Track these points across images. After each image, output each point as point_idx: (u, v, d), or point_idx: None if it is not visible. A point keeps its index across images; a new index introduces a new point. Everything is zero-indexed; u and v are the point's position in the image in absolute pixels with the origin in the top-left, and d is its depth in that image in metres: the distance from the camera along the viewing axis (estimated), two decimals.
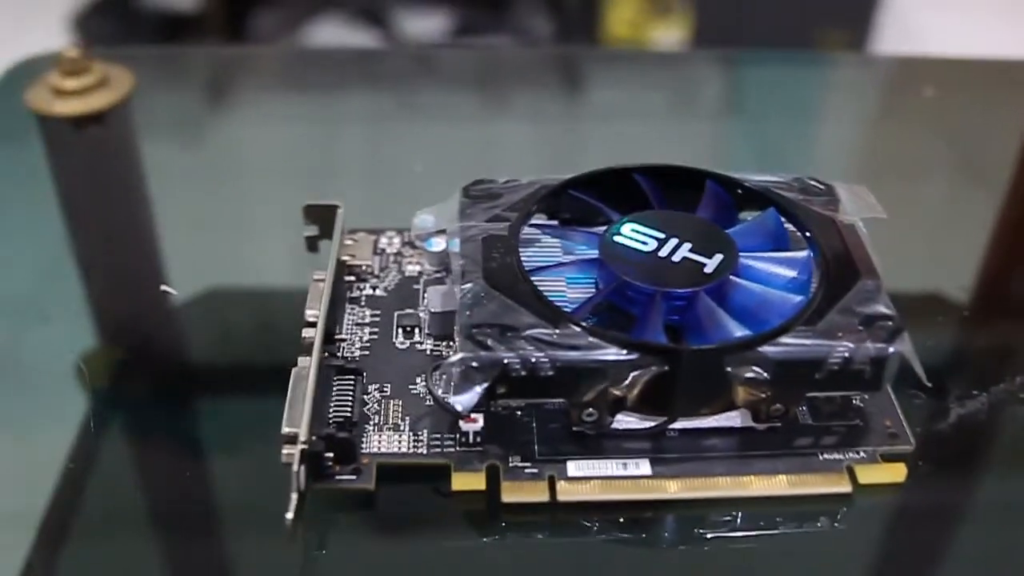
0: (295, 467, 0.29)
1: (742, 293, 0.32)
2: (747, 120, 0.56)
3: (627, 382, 0.30)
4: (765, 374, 0.30)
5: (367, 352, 0.34)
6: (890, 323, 0.31)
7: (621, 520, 0.30)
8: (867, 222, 0.35)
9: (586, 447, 0.31)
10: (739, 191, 0.36)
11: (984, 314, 0.40)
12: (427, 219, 0.36)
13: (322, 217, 0.38)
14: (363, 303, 0.36)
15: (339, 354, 0.34)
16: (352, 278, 0.37)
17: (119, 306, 0.41)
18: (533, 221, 0.35)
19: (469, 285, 0.32)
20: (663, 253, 0.33)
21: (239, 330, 0.41)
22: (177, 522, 0.32)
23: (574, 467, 0.31)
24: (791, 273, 0.33)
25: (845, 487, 0.31)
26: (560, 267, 0.33)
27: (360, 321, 0.35)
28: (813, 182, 0.36)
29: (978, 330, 0.40)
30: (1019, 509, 0.32)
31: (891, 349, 0.30)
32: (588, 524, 0.30)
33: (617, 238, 0.33)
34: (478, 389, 0.30)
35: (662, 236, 0.33)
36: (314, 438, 0.30)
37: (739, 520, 0.30)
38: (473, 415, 0.31)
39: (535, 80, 0.60)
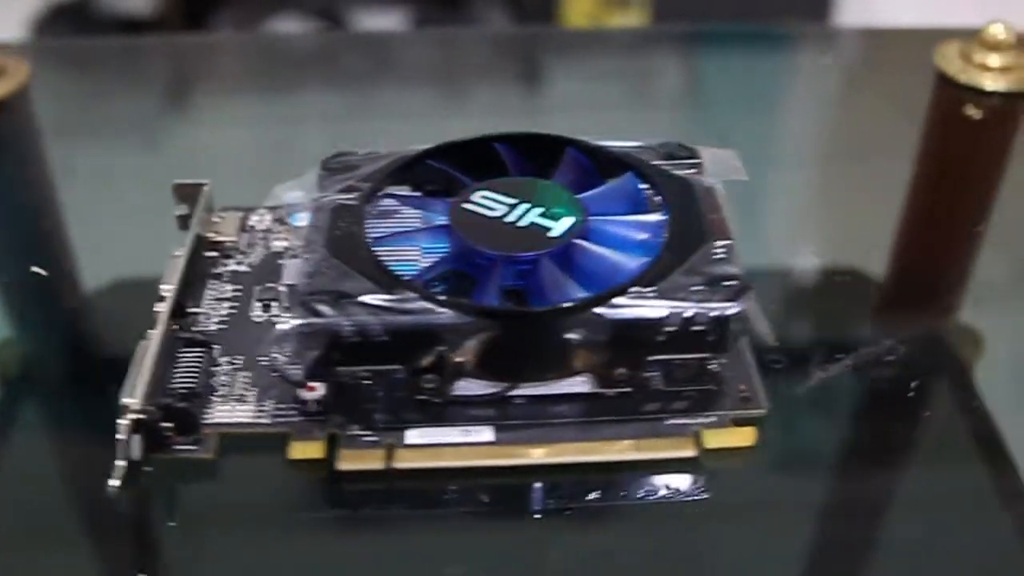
0: (123, 435, 0.28)
1: (590, 257, 0.32)
2: (707, 103, 0.56)
3: (463, 347, 0.30)
4: (602, 337, 0.30)
5: (224, 326, 0.34)
6: (735, 283, 0.30)
7: (459, 487, 0.30)
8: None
9: (429, 415, 0.31)
10: (598, 157, 0.35)
11: (889, 289, 0.40)
12: (295, 194, 0.36)
13: (192, 196, 0.38)
14: (225, 279, 0.36)
15: (193, 327, 0.34)
16: (216, 254, 0.36)
17: (27, 297, 0.41)
18: (396, 192, 0.35)
19: (310, 255, 0.31)
20: (511, 218, 0.32)
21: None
22: (88, 513, 0.31)
23: (414, 434, 0.30)
24: (643, 236, 0.33)
25: (690, 451, 0.30)
26: (409, 235, 0.33)
27: (220, 296, 0.35)
28: (679, 146, 0.36)
29: (863, 298, 0.39)
30: (868, 468, 0.32)
31: (732, 309, 0.30)
32: (426, 491, 0.30)
33: (467, 205, 0.33)
34: (312, 356, 0.30)
35: (512, 202, 0.33)
36: (152, 408, 0.30)
37: (581, 486, 0.30)
38: (313, 384, 0.31)
39: (494, 70, 0.59)
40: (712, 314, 0.29)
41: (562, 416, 0.31)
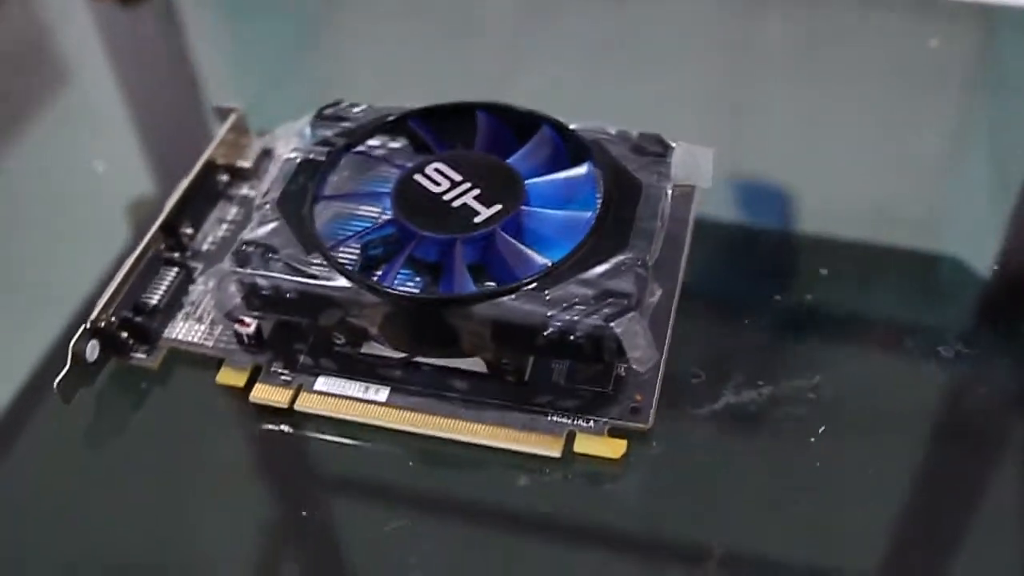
0: (73, 341, 0.33)
1: (504, 248, 0.32)
2: None
3: (364, 315, 0.32)
4: (487, 330, 0.31)
5: (213, 246, 0.38)
6: (623, 301, 0.30)
7: (339, 439, 0.33)
8: None
9: (343, 367, 0.34)
10: (568, 139, 0.35)
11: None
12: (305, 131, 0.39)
13: (226, 117, 0.41)
14: (235, 202, 0.40)
15: (187, 247, 0.38)
16: (226, 179, 0.40)
17: None
18: (367, 150, 0.37)
19: (264, 204, 0.34)
20: (447, 197, 0.34)
21: None
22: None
23: (323, 382, 0.34)
24: (566, 233, 0.33)
25: (555, 451, 0.31)
26: (352, 197, 0.35)
27: (222, 218, 0.39)
28: (655, 139, 0.35)
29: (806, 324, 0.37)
30: (725, 502, 0.31)
31: (607, 329, 0.30)
32: (315, 435, 0.33)
33: (417, 176, 0.34)
34: (236, 300, 0.33)
35: (457, 179, 0.34)
36: (112, 319, 0.34)
37: (445, 462, 0.32)
38: (247, 320, 0.34)
39: None
40: (588, 331, 0.30)
41: (454, 391, 0.33)
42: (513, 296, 0.31)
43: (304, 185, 0.35)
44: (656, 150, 0.35)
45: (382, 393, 0.33)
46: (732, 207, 0.41)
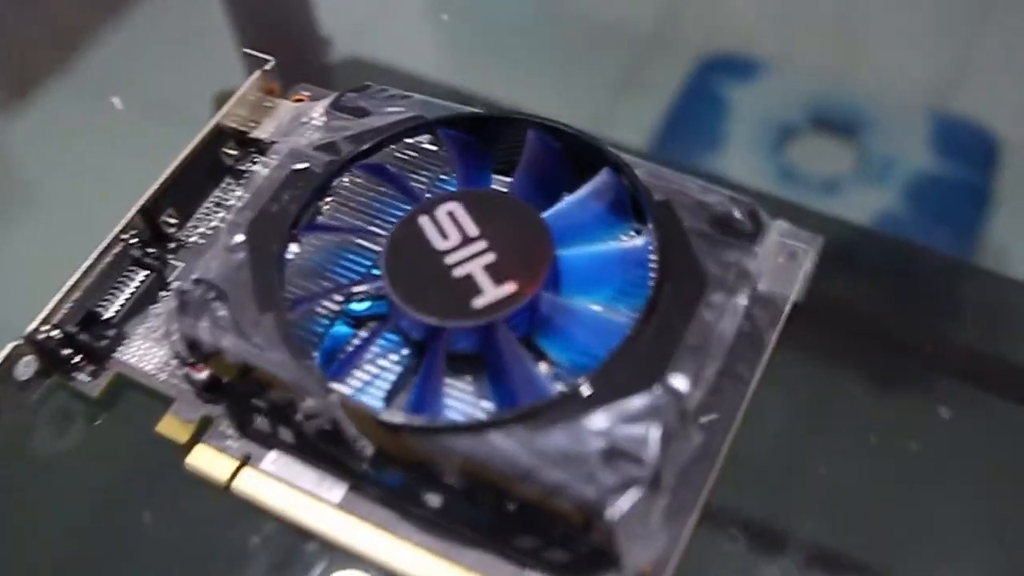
0: (1, 357, 0.28)
1: (502, 356, 0.24)
2: None
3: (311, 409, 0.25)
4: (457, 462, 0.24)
5: (203, 241, 0.32)
6: (633, 472, 0.22)
7: (279, 541, 0.26)
8: None
9: (304, 443, 0.27)
10: (630, 194, 0.26)
11: None
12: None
13: (255, 67, 0.34)
14: (241, 182, 0.33)
15: (168, 240, 0.31)
16: (236, 152, 0.33)
17: None
18: (378, 163, 0.29)
19: (234, 228, 0.27)
20: (451, 259, 0.26)
21: None
22: None
23: (273, 460, 0.27)
24: (587, 352, 0.24)
25: None
26: (339, 232, 0.28)
27: (223, 202, 0.32)
28: (743, 210, 0.26)
29: None
30: None
31: (602, 510, 0.22)
32: (249, 531, 0.27)
33: (422, 219, 0.26)
34: (177, 347, 0.27)
35: (473, 233, 0.26)
36: (52, 333, 0.29)
37: None
38: (200, 366, 0.28)
39: None
40: (572, 501, 0.22)
41: (424, 507, 0.26)
42: (495, 429, 0.23)
43: (286, 207, 0.27)
44: (744, 228, 0.26)
45: (337, 491, 0.26)
46: None
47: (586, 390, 0.23)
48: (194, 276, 0.26)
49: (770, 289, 0.25)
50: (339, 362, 0.26)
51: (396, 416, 0.24)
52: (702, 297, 0.24)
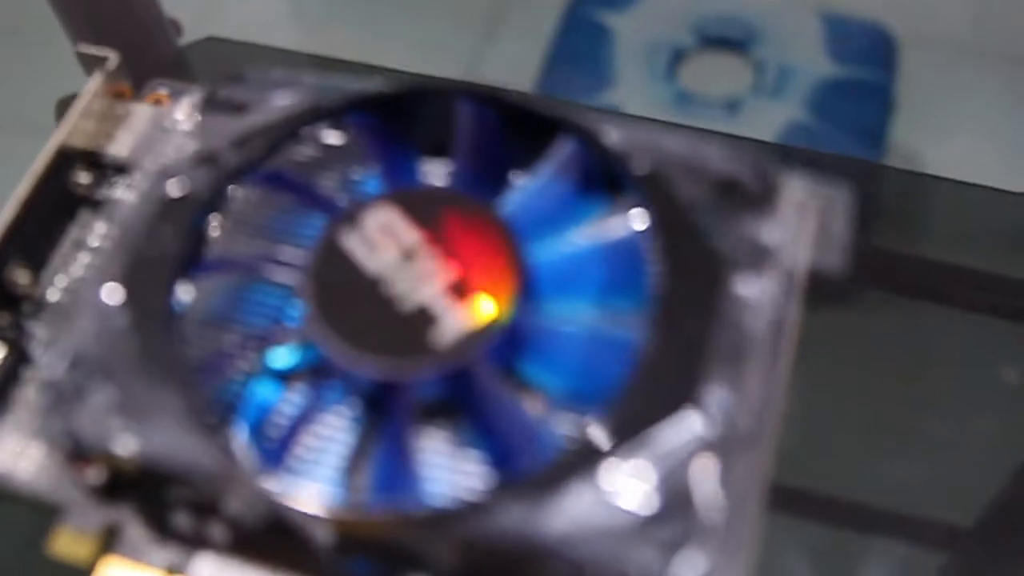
0: None
1: (488, 399, 0.19)
2: None
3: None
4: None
5: (67, 297, 0.25)
6: (688, 525, 0.17)
7: None
8: None
9: (244, 538, 0.21)
10: (603, 166, 0.21)
11: None
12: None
13: (94, 67, 0.27)
14: (107, 212, 0.26)
15: (21, 303, 0.25)
16: (89, 179, 0.26)
17: None
18: (325, 141, 0.23)
19: (102, 282, 0.21)
20: (397, 287, 0.20)
21: None
22: None
23: (208, 566, 0.21)
24: (599, 362, 0.19)
25: None
26: (248, 266, 0.22)
27: (82, 241, 0.26)
28: (749, 170, 0.21)
29: None
30: None
31: None
32: None
33: (345, 238, 0.21)
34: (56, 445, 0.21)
35: (416, 248, 0.20)
36: None
37: None
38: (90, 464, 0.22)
39: None
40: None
41: None
42: (498, 505, 0.18)
43: (166, 245, 0.21)
44: (753, 191, 0.21)
45: None
46: None
47: (602, 432, 0.18)
48: (61, 357, 0.20)
49: (798, 261, 0.20)
50: (272, 440, 0.20)
51: (362, 507, 0.18)
52: (719, 286, 0.19)
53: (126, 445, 0.19)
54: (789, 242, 0.20)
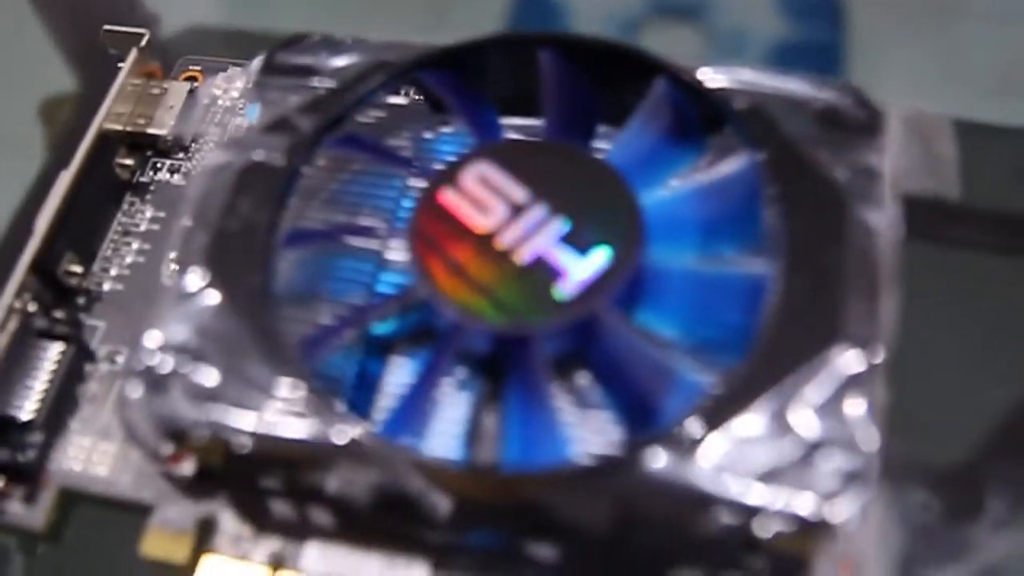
0: None
1: (614, 348, 0.18)
2: None
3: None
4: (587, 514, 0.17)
5: (120, 287, 0.24)
6: (852, 463, 0.17)
7: None
8: None
9: (350, 522, 0.20)
10: (701, 106, 0.20)
11: None
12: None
13: (126, 46, 0.26)
14: (152, 194, 0.25)
15: (76, 294, 0.23)
16: (130, 162, 0.25)
17: None
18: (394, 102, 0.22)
19: (184, 266, 0.20)
20: (507, 240, 0.19)
21: None
22: None
23: (316, 554, 0.20)
24: (730, 300, 0.19)
25: None
26: (328, 237, 0.21)
27: (131, 227, 0.25)
28: (848, 99, 0.20)
29: None
30: None
31: (830, 516, 0.16)
32: None
33: (445, 194, 0.20)
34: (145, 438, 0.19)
35: (523, 198, 0.19)
36: None
37: None
38: (180, 456, 0.21)
39: None
40: (781, 526, 0.17)
41: (532, 565, 0.20)
42: (651, 457, 0.17)
43: (252, 218, 0.20)
44: (859, 119, 0.20)
45: (417, 572, 0.20)
46: None
47: (743, 375, 0.17)
48: (152, 343, 0.19)
49: (913, 187, 0.20)
50: (386, 410, 0.19)
51: (496, 469, 0.18)
52: (845, 215, 0.19)
53: (237, 427, 0.18)
54: (900, 167, 0.19)
